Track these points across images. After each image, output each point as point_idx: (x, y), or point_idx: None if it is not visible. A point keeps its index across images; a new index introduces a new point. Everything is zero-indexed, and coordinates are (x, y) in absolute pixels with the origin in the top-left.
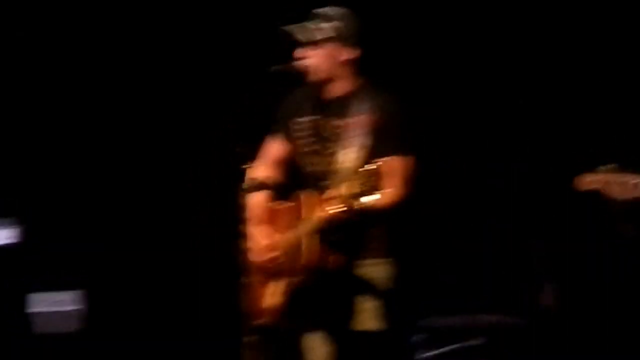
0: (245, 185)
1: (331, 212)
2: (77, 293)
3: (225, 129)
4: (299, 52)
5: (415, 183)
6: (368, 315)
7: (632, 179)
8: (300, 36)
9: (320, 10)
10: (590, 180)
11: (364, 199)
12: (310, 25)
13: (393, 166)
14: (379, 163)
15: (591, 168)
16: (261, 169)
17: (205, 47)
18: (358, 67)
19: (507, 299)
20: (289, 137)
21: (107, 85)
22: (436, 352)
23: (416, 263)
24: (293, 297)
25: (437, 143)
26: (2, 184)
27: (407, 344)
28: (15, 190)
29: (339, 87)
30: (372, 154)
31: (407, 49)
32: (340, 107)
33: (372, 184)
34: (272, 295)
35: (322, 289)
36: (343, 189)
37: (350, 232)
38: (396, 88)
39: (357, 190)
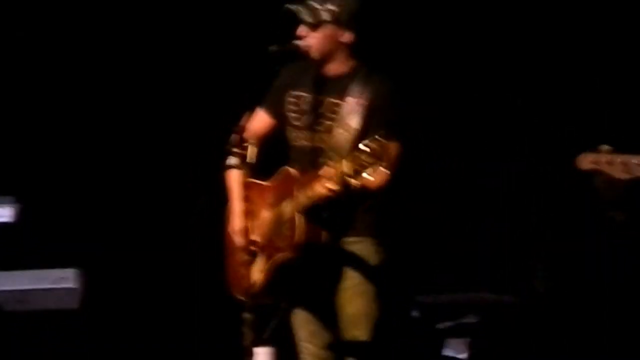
0: (229, 161)
1: (330, 188)
2: (73, 271)
3: (224, 125)
4: (301, 30)
5: (405, 167)
6: (354, 292)
7: (634, 159)
8: (306, 16)
9: None
10: (592, 159)
11: (365, 175)
12: (315, 4)
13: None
14: (377, 141)
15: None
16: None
17: (202, 40)
18: (354, 50)
19: (502, 280)
20: (280, 109)
21: (106, 85)
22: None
23: (411, 245)
24: (278, 274)
25: (435, 130)
26: (0, 163)
27: (405, 320)
28: (13, 169)
29: (336, 68)
30: (364, 136)
31: (403, 51)
32: (336, 86)
33: (369, 162)
34: (256, 272)
35: (310, 266)
36: (342, 167)
37: (341, 209)
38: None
39: (356, 167)
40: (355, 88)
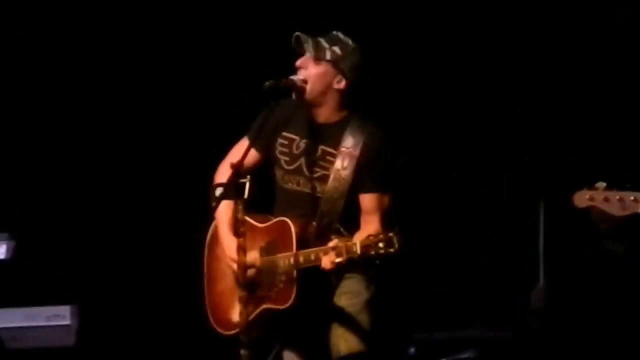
0: (217, 192)
1: (336, 262)
2: (69, 308)
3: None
4: (302, 62)
5: (394, 215)
6: (347, 330)
7: (630, 195)
8: (311, 48)
9: (334, 33)
10: (589, 197)
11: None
12: (323, 42)
13: (372, 204)
14: (386, 234)
15: (584, 180)
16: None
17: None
18: (347, 99)
19: (498, 311)
20: (270, 147)
21: (98, 102)
22: None
23: (407, 277)
24: (263, 319)
25: (430, 152)
26: None
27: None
28: (8, 205)
29: (326, 114)
30: (355, 187)
31: (403, 59)
32: (330, 134)
33: (384, 250)
34: (240, 309)
35: (299, 316)
36: (353, 247)
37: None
38: (390, 100)
39: (370, 253)
40: (348, 138)
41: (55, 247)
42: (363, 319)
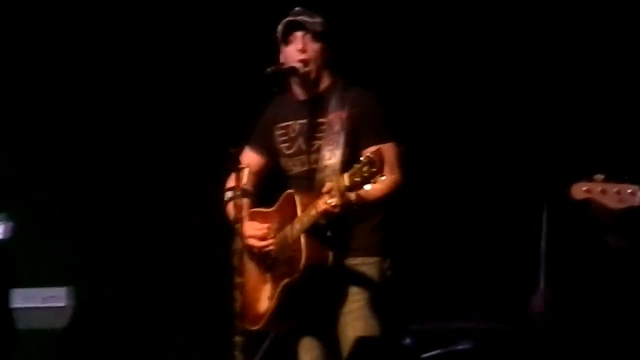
0: (227, 196)
1: (332, 204)
2: (65, 289)
3: (218, 130)
4: (299, 43)
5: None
6: (356, 316)
7: (628, 188)
8: (308, 24)
9: (300, 9)
10: (586, 189)
11: (366, 187)
12: (306, 17)
13: (383, 154)
14: (373, 151)
15: (582, 175)
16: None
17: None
18: (332, 66)
19: (498, 305)
20: (270, 145)
21: (93, 96)
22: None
23: (407, 265)
24: (287, 299)
25: (428, 146)
26: None
27: (398, 347)
28: (6, 186)
29: (317, 87)
30: (357, 147)
31: (397, 63)
32: (319, 106)
33: (369, 172)
34: (266, 299)
35: (316, 289)
36: (343, 180)
37: (345, 228)
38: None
39: (356, 180)
40: (335, 103)
41: (51, 228)
42: (373, 304)
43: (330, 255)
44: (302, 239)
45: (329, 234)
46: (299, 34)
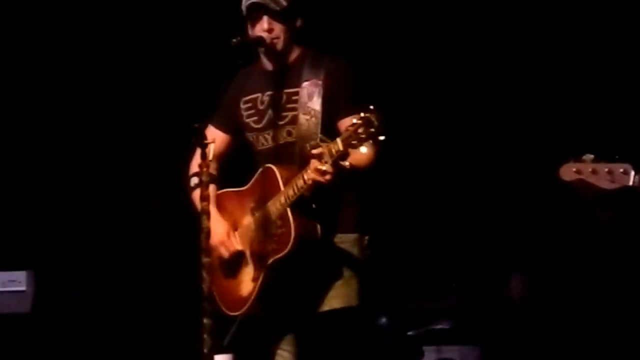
0: (192, 182)
1: (323, 169)
2: (26, 273)
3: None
4: (265, 24)
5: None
6: (334, 294)
7: (619, 167)
8: (273, 4)
9: None
10: (576, 170)
11: (362, 149)
12: None
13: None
14: (361, 116)
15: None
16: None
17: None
18: (300, 36)
19: (475, 285)
20: (234, 120)
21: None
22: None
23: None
24: (273, 278)
25: (406, 118)
26: None
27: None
28: None
29: (285, 58)
30: (332, 116)
31: (397, 61)
32: (289, 77)
33: (366, 133)
34: (248, 282)
35: (304, 265)
36: (336, 145)
37: (328, 201)
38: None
39: (353, 142)
40: (308, 72)
41: (11, 211)
42: (353, 281)
43: (319, 228)
44: (289, 213)
45: (314, 206)
46: (264, 16)
